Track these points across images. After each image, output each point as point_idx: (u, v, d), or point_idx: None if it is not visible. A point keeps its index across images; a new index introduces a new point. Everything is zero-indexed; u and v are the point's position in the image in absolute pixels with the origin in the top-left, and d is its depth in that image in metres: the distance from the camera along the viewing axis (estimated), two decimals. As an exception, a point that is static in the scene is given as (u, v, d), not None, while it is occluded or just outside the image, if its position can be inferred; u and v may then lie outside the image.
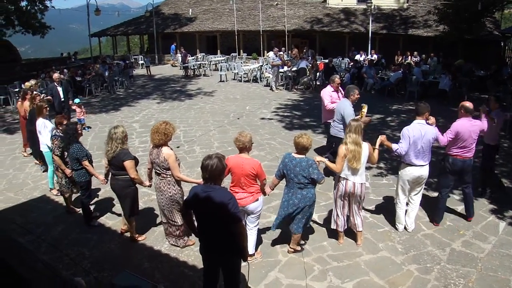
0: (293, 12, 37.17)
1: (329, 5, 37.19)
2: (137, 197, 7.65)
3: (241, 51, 36.60)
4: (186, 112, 17.66)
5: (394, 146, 7.64)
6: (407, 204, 8.20)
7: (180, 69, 30.83)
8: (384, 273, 6.79)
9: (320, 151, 12.43)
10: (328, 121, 11.17)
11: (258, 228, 7.15)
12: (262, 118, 16.40)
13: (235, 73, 27.09)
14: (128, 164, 7.04)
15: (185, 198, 6.38)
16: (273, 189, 7.27)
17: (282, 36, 34.80)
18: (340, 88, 11.48)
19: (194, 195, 4.99)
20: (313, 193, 6.90)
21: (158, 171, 7.03)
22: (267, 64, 25.25)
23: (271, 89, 22.86)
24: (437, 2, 30.37)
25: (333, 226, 7.65)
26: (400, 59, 29.17)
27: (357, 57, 29.41)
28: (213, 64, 32.24)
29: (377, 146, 7.46)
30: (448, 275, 6.78)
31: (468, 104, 8.07)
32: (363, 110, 9.35)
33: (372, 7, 30.87)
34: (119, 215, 8.17)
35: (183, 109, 18.31)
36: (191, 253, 7.22)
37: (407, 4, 35.65)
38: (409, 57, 29.19)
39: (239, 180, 6.55)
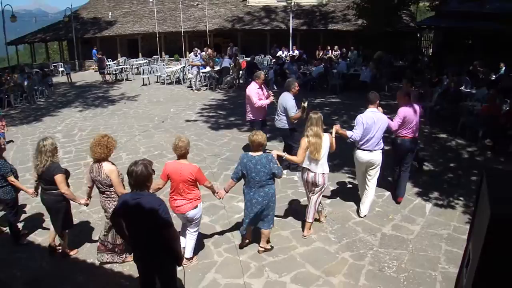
0: (214, 11, 37.18)
1: (249, 4, 37.43)
2: (70, 211, 7.31)
3: (163, 53, 36.28)
4: (109, 118, 17.30)
5: (349, 133, 8.12)
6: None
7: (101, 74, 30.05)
8: (320, 264, 6.95)
9: (247, 149, 12.55)
10: (254, 118, 11.37)
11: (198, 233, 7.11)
12: (187, 120, 16.30)
13: (157, 76, 26.75)
14: (59, 178, 6.68)
15: None
16: (227, 192, 7.18)
17: (204, 36, 34.75)
18: (263, 85, 11.57)
19: (123, 203, 4.91)
20: (274, 189, 6.98)
21: (102, 189, 6.64)
22: (189, 65, 25.15)
23: (193, 89, 22.82)
24: (356, -4, 31.13)
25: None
26: (321, 53, 29.78)
27: (279, 53, 29.69)
28: (135, 67, 31.60)
29: (333, 135, 7.70)
30: (381, 259, 7.05)
31: (409, 91, 9.36)
32: (303, 104, 9.75)
33: (292, 4, 31.39)
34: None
35: (106, 115, 17.93)
36: (126, 263, 7.08)
37: (326, 0, 36.27)
38: (330, 51, 29.79)
39: (178, 187, 6.49)
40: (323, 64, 23.28)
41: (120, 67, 29.90)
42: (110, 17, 38.93)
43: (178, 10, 36.07)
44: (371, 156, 8.17)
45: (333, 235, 7.84)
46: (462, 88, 17.44)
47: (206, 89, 23.35)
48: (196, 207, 6.62)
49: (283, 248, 7.43)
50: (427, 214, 8.66)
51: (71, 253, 7.50)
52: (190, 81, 23.66)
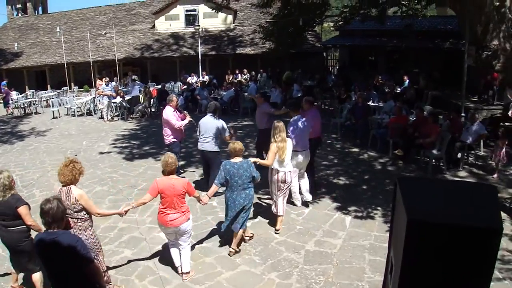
0: (122, 40, 36.83)
1: (157, 31, 37.34)
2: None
3: (72, 84, 35.38)
4: (20, 154, 16.65)
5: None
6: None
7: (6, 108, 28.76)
8: (247, 287, 7.03)
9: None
10: (174, 140, 11.75)
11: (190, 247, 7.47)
12: (101, 152, 15.94)
13: (68, 108, 25.94)
14: (23, 210, 6.32)
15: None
16: (210, 198, 7.81)
17: (113, 65, 34.27)
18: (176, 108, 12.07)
19: (39, 242, 4.80)
20: (253, 191, 7.96)
21: (68, 216, 6.18)
22: (99, 95, 24.63)
23: (105, 120, 22.36)
24: (262, 20, 31.69)
25: (273, 210, 8.93)
26: (231, 77, 30.01)
27: (189, 79, 29.73)
28: (44, 100, 30.44)
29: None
30: (308, 276, 7.22)
31: (311, 98, 11.30)
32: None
33: (200, 30, 31.54)
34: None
35: (16, 151, 17.22)
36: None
37: (234, 24, 36.85)
38: (239, 75, 30.17)
39: (172, 201, 6.80)
40: (233, 88, 23.61)
41: (29, 100, 28.79)
42: (16, 48, 37.62)
43: (86, 39, 35.43)
44: (306, 154, 9.64)
45: (257, 256, 7.94)
46: (370, 102, 18.19)
47: (118, 119, 22.99)
48: (189, 218, 7.05)
49: (208, 275, 7.44)
50: (347, 227, 8.99)
51: None
52: (101, 111, 23.23)
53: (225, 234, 8.31)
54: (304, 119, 9.71)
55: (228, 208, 7.82)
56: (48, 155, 16.05)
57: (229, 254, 7.97)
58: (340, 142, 15.66)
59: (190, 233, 7.29)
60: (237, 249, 8.03)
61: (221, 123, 10.76)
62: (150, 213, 9.39)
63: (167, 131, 11.68)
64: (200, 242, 8.39)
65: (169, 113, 11.59)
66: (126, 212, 6.92)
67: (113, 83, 25.91)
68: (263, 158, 10.34)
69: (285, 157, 8.56)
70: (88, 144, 17.51)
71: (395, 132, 13.48)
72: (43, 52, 37.72)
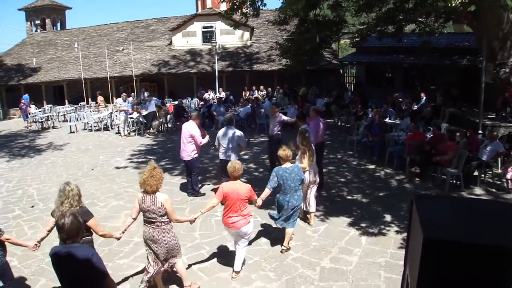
0: (139, 56, 37.04)
1: (175, 47, 37.59)
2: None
3: (90, 99, 35.60)
4: (37, 168, 16.76)
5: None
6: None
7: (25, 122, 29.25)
8: (262, 303, 6.92)
9: (184, 187, 12.65)
10: (197, 155, 11.90)
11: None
12: (117, 167, 15.99)
13: (85, 123, 26.14)
14: (93, 222, 6.31)
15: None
16: (263, 200, 8.04)
17: (130, 81, 34.45)
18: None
19: (54, 255, 4.77)
20: (301, 192, 8.59)
21: (152, 220, 6.53)
22: (117, 111, 24.75)
23: (122, 135, 22.45)
24: (279, 37, 31.74)
25: (306, 209, 9.82)
26: (247, 94, 30.09)
27: (206, 96, 29.87)
28: (61, 115, 30.86)
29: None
30: (323, 293, 7.10)
31: (318, 107, 11.94)
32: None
33: (217, 46, 31.62)
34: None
35: (33, 165, 17.32)
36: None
37: (250, 41, 37.03)
38: (256, 91, 30.19)
39: (235, 204, 7.22)
40: (250, 104, 23.69)
41: (46, 114, 29.09)
42: (34, 63, 38.03)
43: (104, 55, 35.83)
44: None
45: (272, 273, 7.87)
46: (387, 119, 18.14)
47: (135, 134, 23.12)
48: (249, 222, 7.44)
49: (223, 291, 7.41)
50: (363, 244, 8.90)
51: None
52: (118, 127, 23.32)
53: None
54: (311, 126, 11.06)
55: (282, 208, 8.38)
56: (65, 169, 16.16)
57: (281, 251, 8.52)
58: (356, 159, 15.62)
59: (249, 236, 7.71)
60: (288, 247, 8.60)
61: (240, 133, 11.40)
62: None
63: (190, 146, 11.64)
64: (217, 256, 8.36)
65: (195, 129, 11.57)
66: (195, 219, 7.34)
67: (130, 98, 26.01)
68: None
69: (314, 159, 9.51)
70: (104, 159, 17.60)
71: (412, 149, 13.43)
72: (61, 68, 38.15)
